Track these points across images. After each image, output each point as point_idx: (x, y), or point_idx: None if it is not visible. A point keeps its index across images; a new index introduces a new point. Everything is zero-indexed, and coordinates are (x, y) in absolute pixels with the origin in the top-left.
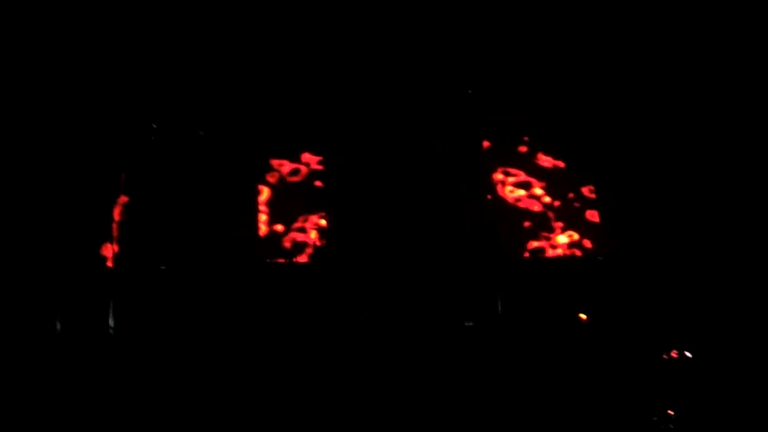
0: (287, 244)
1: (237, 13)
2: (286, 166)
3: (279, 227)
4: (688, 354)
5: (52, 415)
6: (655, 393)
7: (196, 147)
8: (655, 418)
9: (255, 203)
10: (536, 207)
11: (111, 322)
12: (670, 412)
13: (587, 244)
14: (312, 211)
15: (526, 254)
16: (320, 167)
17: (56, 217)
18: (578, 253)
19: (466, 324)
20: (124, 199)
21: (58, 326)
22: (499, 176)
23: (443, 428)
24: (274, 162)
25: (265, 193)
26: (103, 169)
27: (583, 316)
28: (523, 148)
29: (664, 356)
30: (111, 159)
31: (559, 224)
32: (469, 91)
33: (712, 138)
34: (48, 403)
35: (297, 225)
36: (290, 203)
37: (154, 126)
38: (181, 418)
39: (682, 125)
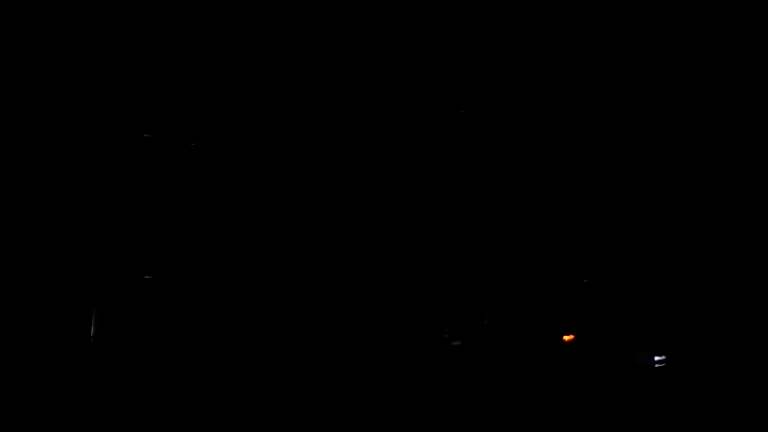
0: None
1: (231, 25)
2: (280, 173)
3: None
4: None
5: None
6: (642, 404)
7: (188, 157)
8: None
9: (247, 211)
10: (526, 224)
11: (92, 331)
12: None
13: (574, 264)
14: (308, 216)
15: (516, 273)
16: (313, 172)
17: (47, 221)
18: (566, 274)
19: (454, 344)
20: (115, 209)
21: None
22: (491, 189)
23: None
24: (267, 168)
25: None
26: (95, 179)
27: (567, 337)
28: (519, 163)
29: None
30: (103, 168)
31: (548, 245)
32: (462, 112)
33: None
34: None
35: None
36: (283, 208)
37: (146, 136)
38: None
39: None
